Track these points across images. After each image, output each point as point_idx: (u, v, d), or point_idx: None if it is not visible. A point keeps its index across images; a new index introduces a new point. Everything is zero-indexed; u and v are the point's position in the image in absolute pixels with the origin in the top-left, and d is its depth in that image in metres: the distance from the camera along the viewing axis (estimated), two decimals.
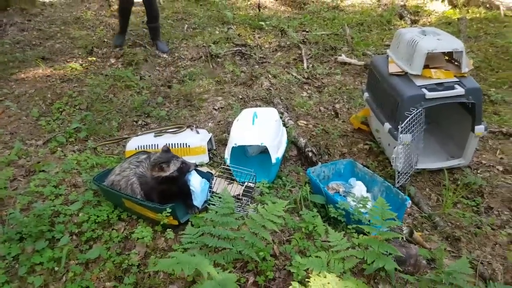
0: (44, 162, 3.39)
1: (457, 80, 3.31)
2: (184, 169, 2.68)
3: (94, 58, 5.38)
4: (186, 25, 6.61)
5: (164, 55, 5.56)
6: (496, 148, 3.99)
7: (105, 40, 5.94)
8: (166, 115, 4.31)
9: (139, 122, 4.23)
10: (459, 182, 3.47)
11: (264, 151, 3.69)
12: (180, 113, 4.35)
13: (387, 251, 2.20)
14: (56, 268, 2.37)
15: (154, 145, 3.43)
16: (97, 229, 2.59)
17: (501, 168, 3.70)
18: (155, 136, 3.55)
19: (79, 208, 2.71)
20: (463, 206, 3.28)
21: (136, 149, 3.38)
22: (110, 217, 2.67)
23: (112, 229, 2.61)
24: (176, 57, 5.58)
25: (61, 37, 6.09)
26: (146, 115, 4.35)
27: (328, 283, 1.89)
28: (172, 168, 2.63)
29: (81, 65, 5.22)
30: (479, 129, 3.35)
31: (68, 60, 5.33)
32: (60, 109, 4.27)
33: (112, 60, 5.38)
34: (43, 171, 3.23)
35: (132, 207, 2.61)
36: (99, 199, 2.82)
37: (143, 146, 3.43)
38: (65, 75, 4.94)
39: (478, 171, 3.65)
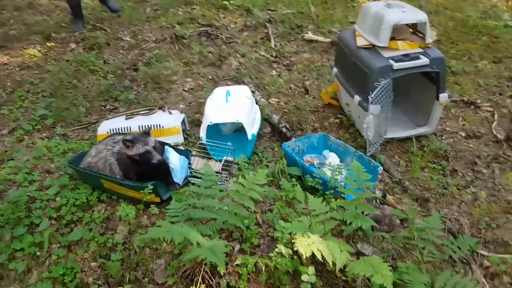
0: (12, 150, 3.28)
1: (422, 50, 3.45)
2: (148, 157, 2.61)
3: (53, 44, 5.18)
4: (148, 7, 6.45)
5: (126, 38, 5.44)
6: (459, 116, 4.21)
7: (63, 24, 5.72)
8: (135, 98, 4.25)
9: (108, 107, 4.15)
10: (425, 149, 3.65)
11: (238, 130, 3.73)
12: (149, 96, 4.29)
13: (363, 211, 2.32)
14: (38, 253, 2.35)
15: (126, 127, 3.39)
16: (76, 212, 2.57)
17: (463, 134, 3.92)
18: (126, 119, 3.50)
19: (56, 193, 2.66)
20: (430, 170, 3.46)
21: (107, 132, 3.33)
22: (89, 199, 2.65)
23: (93, 211, 2.59)
24: (140, 39, 5.46)
25: (14, 23, 5.79)
26: (114, 99, 4.27)
27: (313, 242, 1.98)
28: (135, 151, 2.60)
29: (39, 51, 5.02)
30: (443, 97, 3.52)
31: (25, 47, 5.11)
32: (23, 97, 4.12)
33: (73, 45, 5.20)
34: (12, 159, 3.14)
35: (111, 187, 2.60)
36: (76, 182, 2.78)
37: (115, 129, 3.37)
38: (24, 63, 4.75)
39: (443, 138, 3.85)
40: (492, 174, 3.41)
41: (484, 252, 2.68)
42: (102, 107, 4.12)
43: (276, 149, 3.60)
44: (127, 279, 2.24)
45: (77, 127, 3.72)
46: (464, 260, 2.61)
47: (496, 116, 4.13)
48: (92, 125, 3.75)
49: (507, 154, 3.61)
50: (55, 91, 4.22)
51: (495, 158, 3.58)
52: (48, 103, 3.96)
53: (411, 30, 3.66)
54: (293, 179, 2.95)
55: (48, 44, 5.18)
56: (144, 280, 2.23)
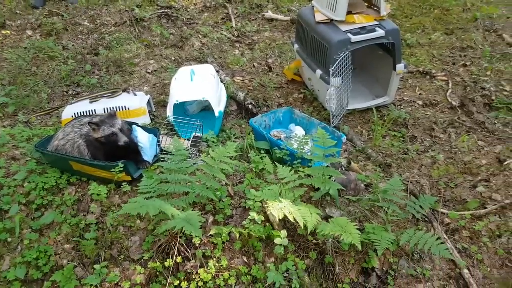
0: None
1: (378, 23, 3.57)
2: (114, 139, 2.61)
3: (9, 31, 5.00)
4: None
5: (84, 22, 5.30)
6: (415, 85, 4.41)
7: (17, 12, 5.51)
8: (98, 83, 4.19)
9: (70, 92, 4.07)
10: (385, 118, 3.81)
11: (204, 109, 3.76)
12: (112, 79, 4.24)
13: (330, 176, 2.43)
14: (10, 239, 2.32)
15: (91, 111, 3.35)
16: (46, 195, 2.55)
17: (420, 103, 4.11)
18: (90, 102, 3.45)
19: (24, 178, 2.62)
20: (391, 137, 3.63)
21: (72, 116, 3.28)
22: (58, 182, 2.63)
23: (63, 194, 2.58)
24: (99, 23, 5.34)
25: None
26: (76, 84, 4.19)
27: (284, 206, 2.07)
28: (100, 133, 2.60)
29: None
30: (400, 67, 3.67)
31: None
32: None
33: (29, 32, 5.03)
34: None
35: (81, 168, 2.58)
36: (44, 167, 2.74)
37: (80, 113, 3.33)
38: None
39: (401, 107, 4.03)
40: (449, 138, 3.62)
41: (444, 210, 2.88)
42: (64, 93, 4.04)
43: (243, 125, 3.66)
44: (102, 257, 2.26)
45: (40, 113, 3.64)
46: (426, 219, 2.80)
47: (450, 85, 4.35)
48: (55, 111, 3.68)
49: (461, 119, 3.83)
50: (14, 79, 4.10)
51: (450, 124, 3.80)
52: (7, 91, 3.86)
53: (366, 4, 3.78)
54: (262, 153, 3.02)
55: (3, 31, 4.98)
56: (119, 258, 2.26)
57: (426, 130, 3.74)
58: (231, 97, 3.92)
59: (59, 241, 2.35)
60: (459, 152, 3.43)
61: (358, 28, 3.51)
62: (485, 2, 6.06)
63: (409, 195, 2.92)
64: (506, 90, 4.15)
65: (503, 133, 3.57)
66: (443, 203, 2.96)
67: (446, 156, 3.42)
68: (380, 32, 3.48)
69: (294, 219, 2.06)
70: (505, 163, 3.21)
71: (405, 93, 4.25)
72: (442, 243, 2.22)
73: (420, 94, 4.25)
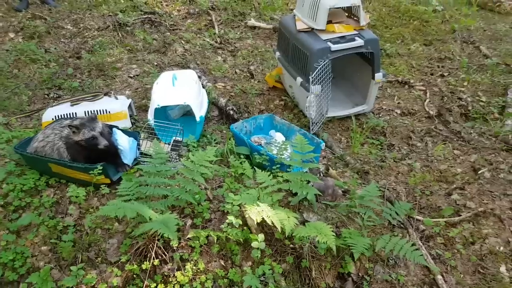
0: None
1: (357, 32, 3.67)
2: (94, 142, 2.62)
3: None
4: None
5: (67, 26, 5.28)
6: (394, 95, 4.51)
7: (0, 14, 5.45)
8: (79, 86, 4.18)
9: (51, 95, 4.05)
10: (364, 126, 3.89)
11: (186, 114, 3.78)
12: (94, 83, 4.23)
13: (308, 181, 2.48)
14: None
15: (72, 114, 3.33)
16: (24, 197, 2.54)
17: (399, 111, 4.21)
18: (71, 105, 3.43)
19: (2, 180, 2.60)
20: (369, 145, 3.70)
21: (52, 119, 3.26)
22: (37, 184, 2.62)
23: (41, 196, 2.57)
24: (82, 27, 5.32)
25: None
26: (58, 88, 4.17)
27: (262, 210, 2.10)
28: (81, 136, 2.61)
29: None
30: (378, 76, 3.77)
31: None
32: None
33: (12, 35, 4.98)
34: None
35: (60, 171, 2.58)
36: (22, 168, 2.73)
37: (60, 115, 3.31)
38: None
39: (380, 115, 4.12)
40: (426, 147, 3.71)
41: (419, 217, 2.94)
42: (46, 96, 4.02)
43: (224, 131, 3.69)
44: (80, 260, 2.25)
45: (20, 116, 3.62)
46: (402, 225, 2.86)
47: (428, 94, 4.47)
48: (36, 113, 3.66)
49: (438, 129, 3.93)
50: None
51: (428, 133, 3.89)
52: None
53: (346, 14, 3.87)
54: (242, 158, 3.06)
55: None
56: (97, 260, 2.26)
57: (403, 138, 3.83)
58: (212, 103, 3.95)
59: (36, 243, 2.33)
60: (435, 161, 3.52)
61: (338, 37, 3.60)
62: (463, 15, 6.25)
63: (385, 202, 2.98)
64: (482, 101, 4.28)
65: (478, 143, 3.68)
66: (418, 210, 3.03)
67: (423, 164, 3.50)
68: (359, 41, 3.57)
69: (272, 223, 2.09)
70: (479, 172, 3.30)
71: (384, 102, 4.35)
72: (417, 249, 2.28)
73: (398, 103, 4.36)
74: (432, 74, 4.89)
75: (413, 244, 2.33)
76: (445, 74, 4.85)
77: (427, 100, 4.36)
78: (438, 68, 4.99)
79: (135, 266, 2.13)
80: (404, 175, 3.39)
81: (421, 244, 2.72)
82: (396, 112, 4.20)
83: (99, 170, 2.44)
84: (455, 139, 3.78)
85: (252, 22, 5.83)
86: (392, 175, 3.38)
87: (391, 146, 3.74)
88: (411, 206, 2.88)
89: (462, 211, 2.96)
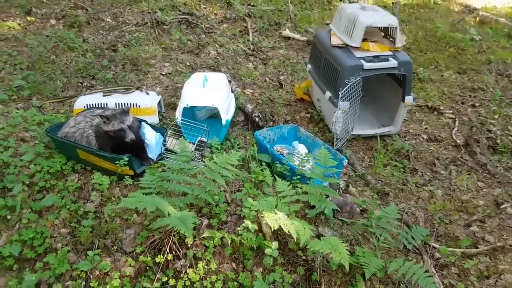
0: None
1: (392, 53, 3.66)
2: (122, 135, 2.69)
3: (33, 18, 5.14)
4: None
5: (107, 19, 5.44)
6: (422, 120, 4.47)
7: (44, 0, 5.66)
8: (112, 78, 4.29)
9: (85, 84, 4.17)
10: (389, 147, 3.86)
11: (212, 116, 3.83)
12: (126, 77, 4.33)
13: (327, 196, 2.48)
14: (9, 216, 2.37)
15: (103, 104, 3.43)
16: (50, 179, 2.61)
17: (425, 137, 4.17)
18: (104, 96, 3.53)
19: (31, 160, 2.68)
20: (392, 167, 3.67)
21: (84, 107, 3.36)
22: (63, 168, 2.69)
23: (66, 180, 2.64)
24: (121, 21, 5.47)
25: None
26: (92, 77, 4.29)
27: (280, 218, 2.11)
28: (110, 127, 2.68)
29: (19, 24, 4.97)
30: (409, 99, 3.74)
31: (5, 19, 5.04)
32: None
33: (53, 22, 5.17)
34: None
35: (87, 158, 2.65)
36: (51, 151, 2.81)
37: (92, 104, 3.41)
38: (2, 34, 4.69)
39: (406, 138, 4.08)
40: (449, 175, 3.66)
41: (436, 245, 2.90)
42: (79, 84, 4.14)
43: (248, 137, 3.72)
44: (96, 246, 2.30)
45: (53, 100, 3.74)
46: (417, 250, 2.82)
47: (457, 123, 4.40)
48: (68, 100, 3.77)
49: (464, 158, 3.87)
50: (33, 65, 4.21)
51: (453, 161, 3.84)
52: (25, 75, 3.95)
53: (382, 34, 3.87)
54: (263, 165, 3.08)
55: (28, 18, 5.13)
56: (112, 248, 2.30)
57: (427, 164, 3.79)
58: (239, 108, 4.00)
59: (56, 224, 2.40)
60: (458, 190, 3.47)
61: (372, 56, 3.60)
62: (500, 47, 6.15)
63: (403, 225, 2.95)
64: (511, 135, 4.20)
65: (504, 177, 3.61)
66: (435, 237, 2.99)
67: (445, 192, 3.45)
68: (393, 62, 3.56)
69: (288, 231, 2.10)
70: (502, 207, 3.24)
71: (411, 126, 4.31)
72: (430, 276, 2.25)
73: (426, 128, 4.31)
74: (463, 103, 4.82)
75: (426, 271, 2.29)
76: (477, 104, 4.77)
77: (455, 129, 4.30)
78: (470, 98, 4.92)
79: (149, 258, 2.16)
80: (424, 201, 3.35)
81: (434, 272, 2.68)
82: (423, 137, 4.16)
83: (124, 161, 2.50)
84: (480, 171, 3.71)
85: (287, 32, 5.88)
86: (412, 200, 3.35)
87: (414, 171, 3.70)
88: (428, 233, 2.84)
89: (480, 244, 2.91)
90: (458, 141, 4.09)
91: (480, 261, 2.76)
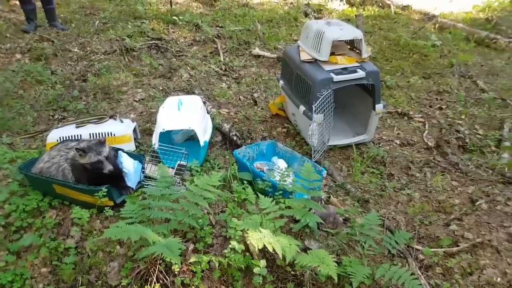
0: None
1: (359, 64, 3.77)
2: (98, 167, 2.65)
3: None
4: (97, 20, 6.43)
5: (74, 49, 5.40)
6: (394, 125, 4.59)
7: (7, 35, 5.59)
8: (84, 108, 4.23)
9: (56, 116, 4.10)
10: (365, 155, 3.94)
11: (189, 139, 3.83)
12: (99, 106, 4.29)
13: (310, 208, 2.50)
14: None
15: (76, 135, 3.38)
16: (27, 218, 2.53)
17: (398, 142, 4.28)
18: (76, 127, 3.48)
19: (5, 200, 2.61)
20: (369, 174, 3.74)
21: (57, 140, 3.30)
22: (40, 205, 2.62)
23: (43, 217, 2.57)
24: (89, 51, 5.44)
25: None
26: (63, 109, 4.23)
27: (264, 236, 2.12)
28: (87, 160, 2.64)
29: None
30: (379, 107, 3.84)
31: None
32: None
33: (18, 56, 5.09)
34: None
35: (64, 192, 2.60)
36: (26, 189, 2.74)
37: (65, 137, 3.35)
38: None
39: (380, 145, 4.18)
40: (424, 177, 3.75)
41: (419, 247, 2.96)
42: (50, 117, 4.07)
43: (227, 156, 3.73)
44: (80, 282, 2.24)
45: (24, 136, 3.66)
46: (401, 254, 2.87)
47: (426, 126, 4.54)
48: (40, 134, 3.70)
49: (437, 160, 3.98)
50: (1, 101, 4.12)
51: (426, 163, 3.95)
52: None
53: (348, 47, 3.99)
54: (245, 183, 3.09)
55: None
56: (97, 283, 2.25)
57: (403, 168, 3.88)
58: (216, 128, 4.01)
59: (36, 264, 2.33)
60: (434, 191, 3.56)
61: (341, 68, 3.69)
62: (460, 50, 6.42)
63: (385, 231, 3.00)
64: (479, 134, 4.36)
65: (475, 175, 3.73)
66: (417, 239, 3.04)
67: (422, 194, 3.54)
68: (361, 73, 3.66)
69: (273, 249, 2.11)
70: (477, 203, 3.34)
71: (384, 132, 4.42)
72: (416, 278, 2.29)
73: (398, 134, 4.42)
74: (430, 107, 4.98)
75: (412, 274, 2.33)
76: (443, 106, 4.94)
77: (426, 132, 4.44)
78: (437, 101, 5.10)
79: None
80: (403, 205, 3.42)
81: (420, 273, 2.72)
82: (396, 143, 4.26)
83: (103, 192, 2.46)
84: (453, 171, 3.83)
85: (257, 51, 5.98)
86: (392, 204, 3.41)
87: (391, 176, 3.78)
88: (410, 236, 2.90)
89: (460, 242, 2.99)
90: (430, 144, 4.21)
91: (462, 258, 2.83)
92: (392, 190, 3.55)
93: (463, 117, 4.71)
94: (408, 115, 4.75)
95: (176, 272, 2.23)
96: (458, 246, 2.94)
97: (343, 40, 3.91)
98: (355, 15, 7.41)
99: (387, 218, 3.16)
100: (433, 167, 3.90)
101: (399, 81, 5.45)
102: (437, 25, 7.34)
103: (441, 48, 6.33)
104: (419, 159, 4.01)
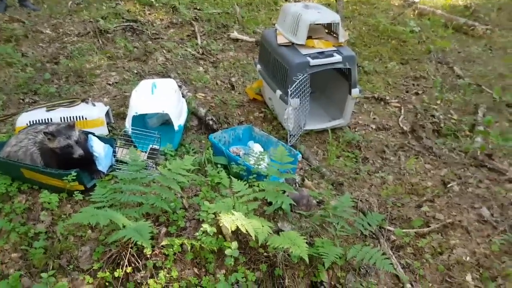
0: None
1: (336, 49, 3.76)
2: (68, 151, 2.60)
3: None
4: (70, 1, 6.23)
5: (46, 31, 5.23)
6: (370, 110, 4.62)
7: None
8: (56, 92, 4.12)
9: (26, 100, 3.99)
10: (340, 139, 3.98)
11: (164, 123, 3.78)
12: (71, 89, 4.18)
13: (283, 191, 2.51)
14: None
15: (47, 119, 3.28)
16: None
17: (374, 127, 4.32)
18: (47, 111, 3.39)
19: None
20: (345, 158, 3.78)
21: (27, 124, 3.20)
22: (8, 190, 2.57)
23: (13, 202, 2.52)
24: (61, 32, 5.28)
25: None
26: (33, 93, 4.11)
27: (237, 219, 2.12)
28: (56, 144, 2.59)
29: None
30: (355, 91, 3.86)
31: None
32: None
33: None
34: None
35: (33, 176, 2.54)
36: None
37: (35, 121, 3.26)
38: None
39: (356, 130, 4.21)
40: (398, 161, 3.82)
41: (391, 228, 3.03)
42: (21, 100, 3.95)
43: (203, 141, 3.70)
44: (51, 267, 2.21)
45: None
46: (373, 235, 2.93)
47: (402, 111, 4.60)
48: (10, 118, 3.59)
49: (411, 144, 4.05)
50: None
51: (401, 147, 4.01)
52: None
53: (326, 31, 3.97)
54: (219, 168, 3.08)
55: None
56: (68, 268, 2.22)
57: (378, 152, 3.93)
58: (192, 113, 3.96)
59: (6, 249, 2.29)
60: (407, 174, 3.62)
61: (317, 52, 3.68)
62: (439, 37, 6.48)
63: (358, 213, 3.05)
64: (454, 119, 4.44)
65: (449, 158, 3.81)
66: (390, 221, 3.11)
67: (395, 177, 3.60)
68: (337, 57, 3.66)
69: (246, 231, 2.11)
70: (449, 186, 3.43)
71: (360, 117, 4.45)
72: (387, 258, 2.34)
73: (374, 118, 4.47)
74: (407, 92, 5.04)
75: (383, 254, 2.39)
76: (420, 92, 5.00)
77: (402, 117, 4.49)
78: (413, 86, 5.15)
79: (108, 273, 2.11)
80: (377, 187, 3.47)
81: (391, 253, 2.80)
82: (372, 127, 4.30)
83: (73, 176, 2.42)
84: (427, 154, 3.90)
85: (235, 34, 5.90)
86: (365, 187, 3.46)
87: (366, 159, 3.83)
88: (383, 217, 2.95)
89: (431, 223, 3.07)
90: (405, 128, 4.27)
91: (433, 239, 2.91)
92: (366, 173, 3.60)
93: (438, 102, 4.78)
94: (384, 100, 4.79)
95: (148, 256, 2.22)
96: (429, 227, 3.02)
97: (320, 24, 3.89)
98: (335, 0, 7.40)
99: (361, 200, 3.21)
100: (407, 150, 3.97)
101: (377, 66, 5.48)
102: (416, 12, 7.37)
103: (419, 35, 6.36)
104: (394, 143, 4.07)
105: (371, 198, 3.28)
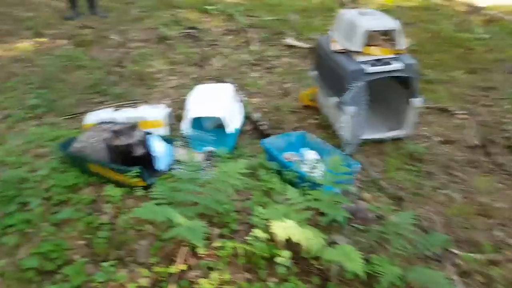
0: (4, 136, 3.41)
1: (394, 56, 3.62)
2: (130, 150, 2.79)
3: (44, 39, 5.30)
4: (134, 9, 6.57)
5: (113, 37, 5.54)
6: (433, 121, 4.38)
7: (52, 21, 5.82)
8: (121, 93, 4.36)
9: (95, 100, 4.27)
10: (401, 151, 3.80)
11: (221, 126, 3.84)
12: (135, 91, 4.40)
13: (339, 202, 2.44)
14: (28, 230, 2.45)
15: (113, 118, 3.47)
16: (65, 193, 2.69)
17: (437, 139, 4.07)
18: (113, 111, 3.60)
19: (46, 175, 2.79)
20: (405, 171, 3.59)
21: (94, 122, 3.41)
22: (77, 182, 2.78)
23: (80, 193, 2.70)
24: (127, 39, 5.57)
25: (5, 19, 5.90)
26: (101, 94, 4.39)
27: (289, 227, 2.08)
28: (118, 142, 2.78)
29: (31, 45, 5.14)
30: (416, 101, 3.69)
31: (17, 42, 5.22)
32: (14, 88, 4.26)
33: (61, 41, 5.31)
34: (2, 144, 3.24)
35: (98, 170, 2.71)
36: (65, 166, 2.90)
37: (102, 119, 3.45)
38: (16, 56, 4.88)
39: (418, 141, 4.00)
40: (466, 177, 3.54)
41: (456, 251, 2.76)
42: (90, 100, 4.24)
43: (256, 145, 3.70)
44: (111, 257, 2.33)
45: (66, 117, 3.87)
46: (437, 257, 2.69)
47: (469, 123, 4.32)
48: (80, 116, 3.86)
49: (480, 159, 3.76)
50: (45, 83, 4.35)
51: (469, 163, 3.72)
52: (38, 94, 4.12)
53: (384, 37, 3.83)
54: (272, 173, 3.06)
55: (39, 39, 5.32)
56: (127, 259, 2.32)
57: (442, 167, 3.69)
58: (246, 117, 4.00)
59: (73, 236, 2.45)
60: (476, 192, 3.36)
61: (374, 60, 3.56)
62: (509, 44, 6.07)
63: (420, 231, 2.86)
64: None
65: None
66: (455, 243, 2.87)
67: (462, 195, 3.33)
68: (395, 65, 3.51)
69: (298, 240, 2.07)
70: None
71: (423, 128, 4.24)
72: (453, 284, 2.17)
73: (437, 130, 4.24)
74: (474, 103, 4.74)
75: (448, 279, 2.22)
76: (488, 103, 4.68)
77: (469, 129, 4.22)
78: (482, 97, 4.84)
79: (163, 269, 2.16)
80: (441, 205, 3.23)
81: (457, 279, 2.54)
82: (434, 140, 4.07)
83: (136, 172, 2.54)
84: (498, 172, 3.61)
85: (290, 41, 5.91)
86: (428, 204, 3.23)
87: (429, 174, 3.60)
88: (447, 238, 2.75)
89: (503, 249, 2.78)
90: (473, 142, 4.00)
91: (507, 268, 2.63)
92: (430, 189, 3.38)
93: (510, 115, 4.45)
94: (449, 111, 4.54)
95: (202, 255, 2.26)
96: (501, 253, 2.73)
97: (377, 31, 3.78)
98: (396, 6, 7.20)
99: (423, 218, 3.02)
100: (476, 167, 3.69)
101: (440, 75, 5.22)
102: (485, 18, 6.97)
103: (487, 42, 6.01)
104: (461, 157, 3.80)
105: (435, 216, 3.08)
